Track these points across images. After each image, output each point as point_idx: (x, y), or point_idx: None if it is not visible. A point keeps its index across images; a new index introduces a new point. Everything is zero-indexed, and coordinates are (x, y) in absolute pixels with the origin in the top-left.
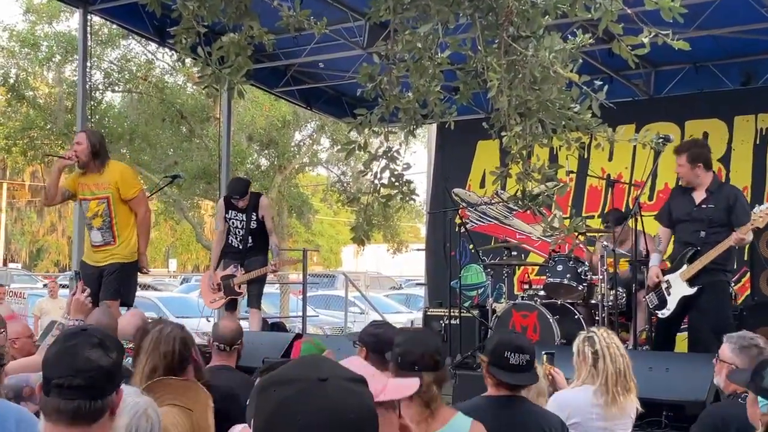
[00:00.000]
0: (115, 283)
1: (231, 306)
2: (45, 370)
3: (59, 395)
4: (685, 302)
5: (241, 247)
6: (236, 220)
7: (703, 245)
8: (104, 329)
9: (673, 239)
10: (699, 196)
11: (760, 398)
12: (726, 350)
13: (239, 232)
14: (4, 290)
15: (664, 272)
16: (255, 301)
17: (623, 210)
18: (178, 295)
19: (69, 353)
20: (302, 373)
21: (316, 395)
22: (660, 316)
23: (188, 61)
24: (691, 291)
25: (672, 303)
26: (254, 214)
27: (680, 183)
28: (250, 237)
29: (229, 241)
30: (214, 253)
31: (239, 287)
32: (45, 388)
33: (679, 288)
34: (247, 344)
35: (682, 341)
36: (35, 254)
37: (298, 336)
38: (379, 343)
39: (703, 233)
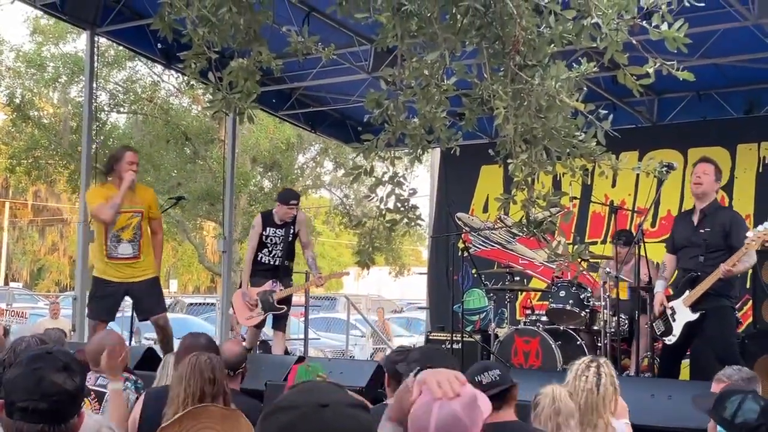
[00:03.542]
0: (161, 296)
1: (279, 325)
2: (9, 392)
3: (23, 418)
4: (689, 328)
5: (275, 263)
6: (275, 236)
7: (702, 270)
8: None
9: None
10: (696, 218)
11: (719, 428)
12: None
13: (276, 248)
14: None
15: (668, 298)
16: (281, 324)
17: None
18: (181, 316)
19: (34, 376)
20: (304, 399)
21: (316, 420)
22: (667, 342)
23: (195, 84)
24: (694, 317)
25: (677, 329)
26: (293, 228)
27: (695, 191)
28: (286, 254)
29: (258, 258)
30: (246, 269)
31: (279, 303)
32: (8, 410)
33: (682, 314)
34: (249, 367)
35: (684, 368)
36: (36, 273)
37: (301, 359)
38: (398, 372)
39: (701, 258)
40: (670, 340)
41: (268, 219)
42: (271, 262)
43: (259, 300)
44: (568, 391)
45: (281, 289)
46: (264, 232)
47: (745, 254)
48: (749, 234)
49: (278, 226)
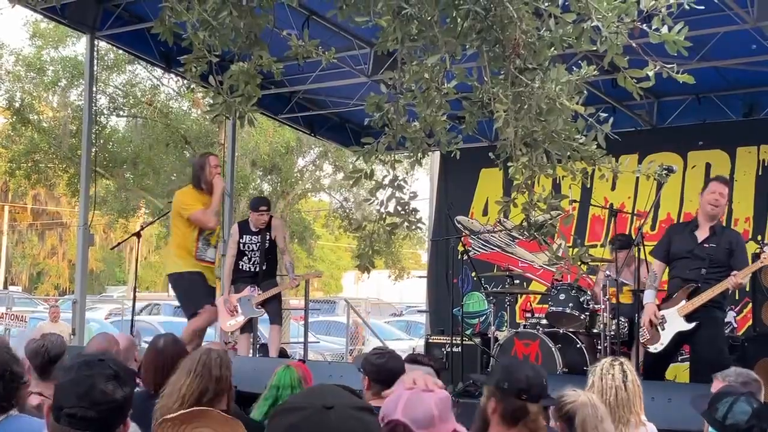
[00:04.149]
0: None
1: (274, 320)
2: (59, 397)
3: (71, 424)
4: (679, 337)
5: (256, 269)
6: (251, 243)
7: (703, 282)
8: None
9: (668, 275)
10: (702, 234)
11: (711, 429)
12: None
13: (254, 255)
14: None
15: (660, 307)
16: (277, 319)
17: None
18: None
19: (85, 383)
20: (309, 401)
21: (320, 422)
22: (652, 350)
23: (195, 87)
24: (689, 327)
25: (666, 338)
26: (268, 234)
27: (710, 212)
28: (264, 259)
29: (240, 266)
30: (226, 277)
31: (258, 307)
32: (55, 414)
33: (675, 323)
34: (248, 370)
35: (683, 371)
36: (35, 277)
37: (301, 362)
38: (381, 372)
39: (704, 271)
40: (656, 348)
41: (244, 227)
42: (252, 269)
43: (240, 305)
44: (596, 391)
45: (260, 293)
46: (241, 240)
47: (760, 268)
48: (767, 249)
49: (254, 233)
